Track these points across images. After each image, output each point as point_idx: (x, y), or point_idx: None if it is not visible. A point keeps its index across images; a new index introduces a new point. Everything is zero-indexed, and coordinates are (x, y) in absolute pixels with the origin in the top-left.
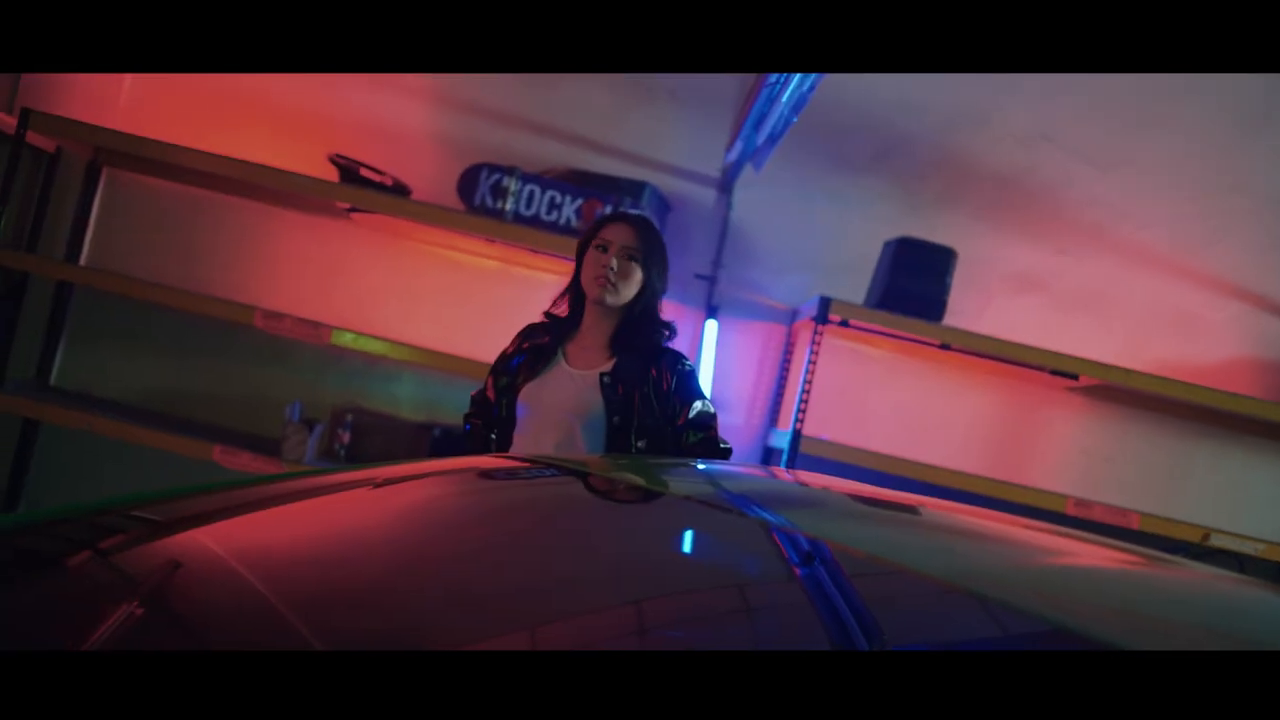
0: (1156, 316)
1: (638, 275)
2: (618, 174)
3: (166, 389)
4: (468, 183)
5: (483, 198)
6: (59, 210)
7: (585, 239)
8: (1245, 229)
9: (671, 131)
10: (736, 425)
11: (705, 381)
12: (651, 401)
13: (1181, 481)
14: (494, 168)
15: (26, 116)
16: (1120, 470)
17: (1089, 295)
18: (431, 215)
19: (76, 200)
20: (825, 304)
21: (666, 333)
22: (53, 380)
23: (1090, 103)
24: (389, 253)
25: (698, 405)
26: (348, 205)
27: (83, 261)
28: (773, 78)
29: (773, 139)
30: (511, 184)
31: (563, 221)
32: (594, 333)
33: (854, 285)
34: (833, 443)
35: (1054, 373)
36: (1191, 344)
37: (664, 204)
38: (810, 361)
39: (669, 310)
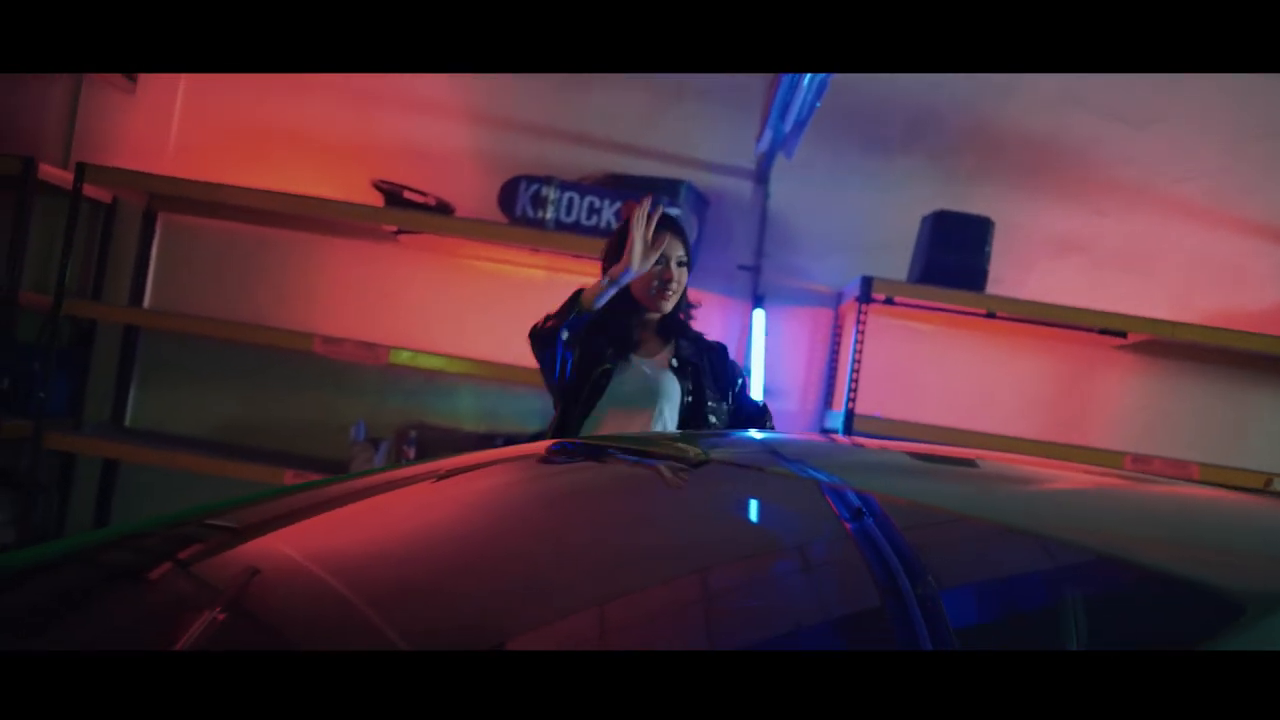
0: (1202, 268)
1: (685, 277)
2: (654, 174)
3: (235, 420)
4: (508, 195)
5: (524, 208)
6: (120, 257)
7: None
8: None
9: (704, 128)
10: (791, 411)
11: (757, 369)
12: (713, 379)
13: (1239, 430)
14: (532, 179)
15: (82, 170)
16: (1177, 424)
17: (1131, 253)
18: (476, 230)
19: (136, 246)
20: (867, 283)
21: (693, 311)
22: (127, 421)
23: None
24: (438, 270)
25: (740, 383)
26: (394, 228)
27: (146, 304)
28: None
29: (800, 125)
30: (550, 193)
31: (603, 225)
32: (647, 327)
33: (896, 263)
34: (886, 419)
35: (1102, 332)
36: (1239, 293)
37: (702, 199)
38: (857, 341)
39: (715, 302)
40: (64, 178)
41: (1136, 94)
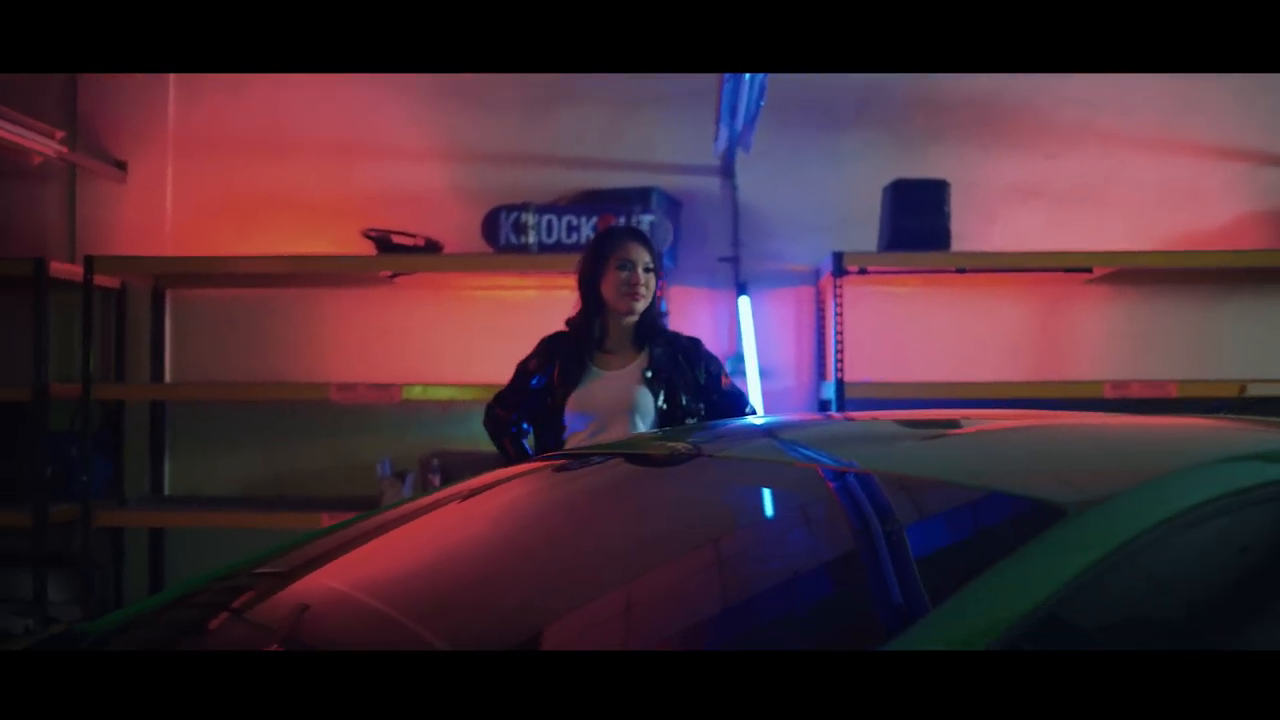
0: (1157, 195)
1: (654, 282)
2: (625, 185)
3: (267, 475)
4: (490, 226)
5: (507, 237)
6: (136, 338)
7: (600, 257)
8: (1219, 92)
9: (667, 134)
10: (788, 387)
11: (749, 353)
12: (687, 382)
13: (1213, 344)
14: (511, 207)
15: (90, 263)
16: (1153, 346)
17: (1087, 190)
18: (465, 264)
19: (149, 325)
20: (838, 257)
21: (664, 314)
22: (166, 490)
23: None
24: (435, 305)
25: (727, 393)
26: (389, 273)
27: (167, 379)
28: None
29: (750, 121)
30: (530, 218)
31: (583, 241)
32: (618, 336)
33: (867, 234)
34: (876, 383)
35: (1068, 270)
36: (1196, 213)
37: (674, 202)
38: (837, 313)
39: (701, 295)
40: (73, 271)
41: None
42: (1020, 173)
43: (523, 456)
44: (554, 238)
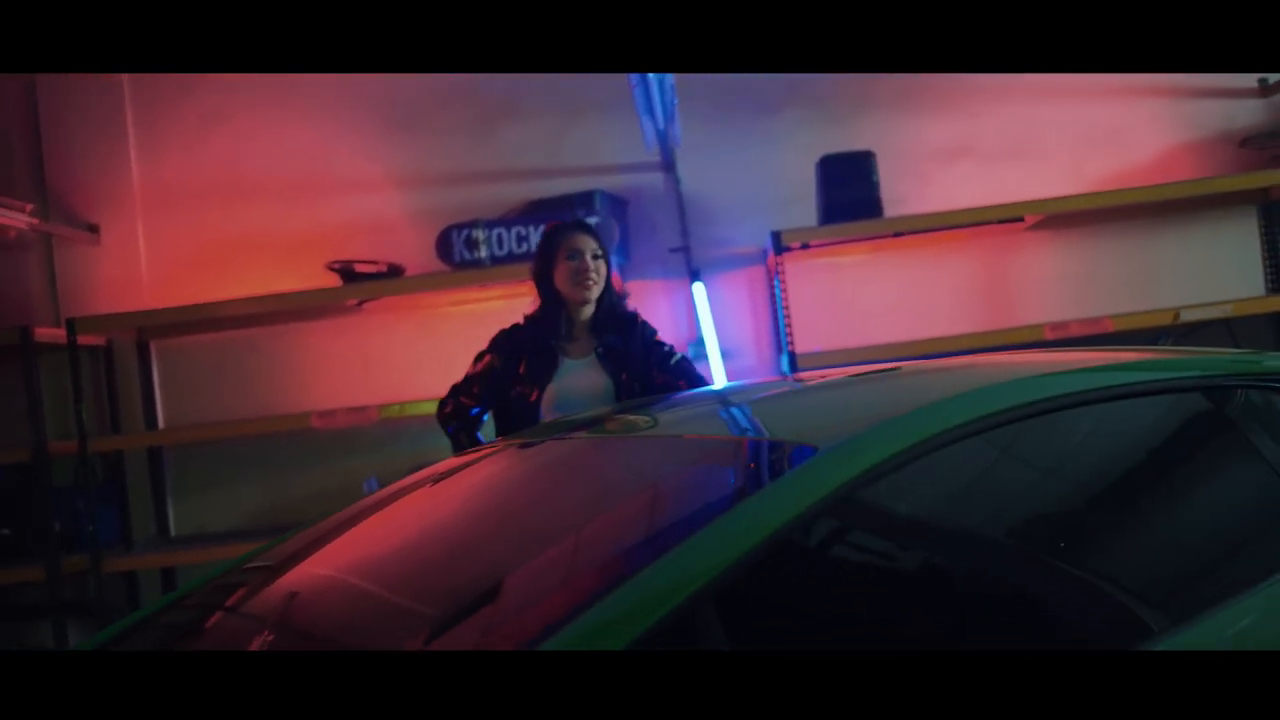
0: (1082, 138)
1: (604, 268)
2: (569, 191)
3: (265, 504)
4: (444, 245)
5: (460, 254)
6: (127, 389)
7: (549, 253)
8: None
9: (608, 137)
10: (751, 364)
11: (709, 336)
12: (639, 363)
13: (1150, 276)
14: (460, 226)
15: (73, 325)
16: (1093, 285)
17: (1015, 143)
18: (425, 284)
19: (138, 377)
20: (777, 236)
21: (626, 300)
22: (172, 531)
23: None
24: (404, 325)
25: (664, 353)
26: (356, 300)
27: (160, 425)
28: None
29: (669, 116)
30: (479, 234)
31: (534, 249)
32: (578, 326)
33: (808, 209)
34: (826, 351)
35: (1001, 222)
36: (1124, 151)
37: (619, 201)
38: (780, 289)
39: (657, 287)
40: (58, 335)
41: None
42: (949, 134)
43: (473, 445)
44: (505, 249)
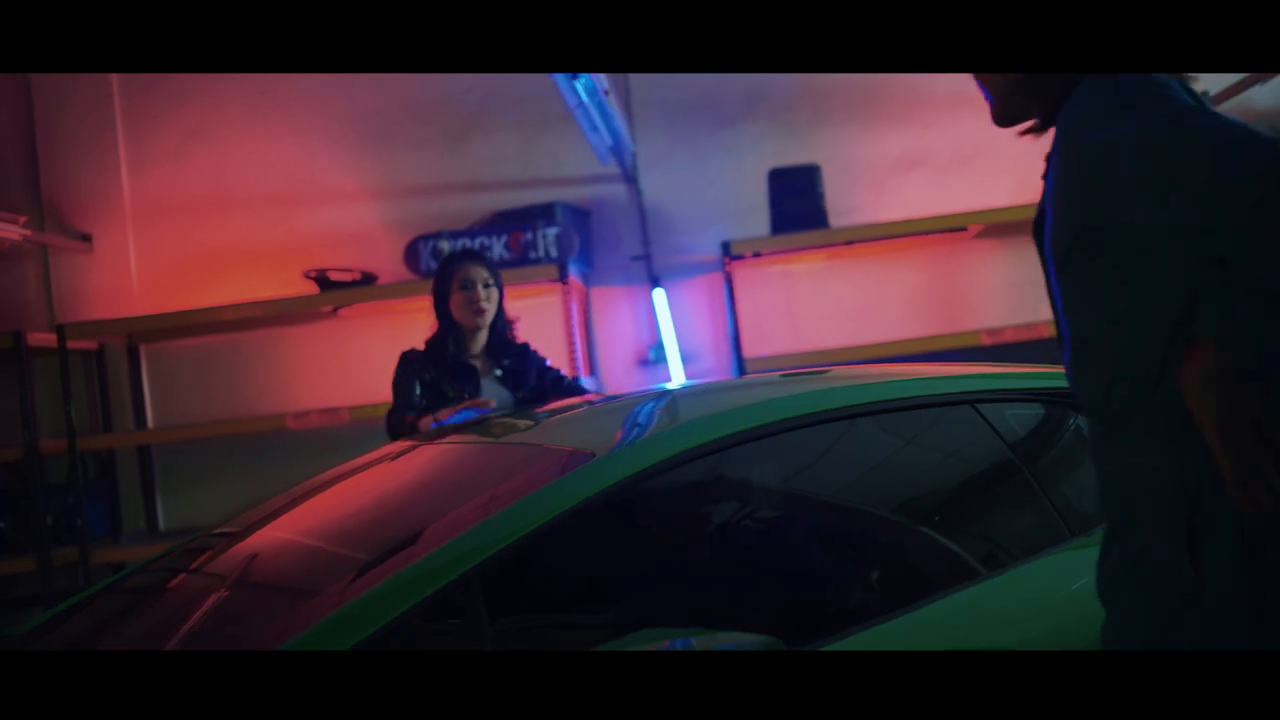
0: (1031, 149)
1: (496, 295)
2: (534, 202)
3: (248, 500)
4: (411, 255)
5: (426, 263)
6: (118, 391)
7: (444, 282)
8: None
9: (572, 149)
10: (709, 367)
11: (669, 341)
12: (533, 386)
13: None
14: (427, 236)
15: (62, 330)
16: (1034, 291)
17: (965, 154)
18: (394, 291)
19: (129, 379)
20: (725, 246)
21: (513, 326)
22: (160, 526)
23: None
24: (377, 330)
25: (555, 375)
26: (330, 307)
27: (150, 425)
28: (568, 98)
29: (613, 130)
30: (444, 244)
31: (497, 259)
32: (474, 348)
33: (763, 219)
34: (773, 356)
35: (946, 231)
36: None
37: (581, 212)
38: (730, 296)
39: (619, 293)
40: (51, 339)
41: None
42: (902, 145)
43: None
44: None
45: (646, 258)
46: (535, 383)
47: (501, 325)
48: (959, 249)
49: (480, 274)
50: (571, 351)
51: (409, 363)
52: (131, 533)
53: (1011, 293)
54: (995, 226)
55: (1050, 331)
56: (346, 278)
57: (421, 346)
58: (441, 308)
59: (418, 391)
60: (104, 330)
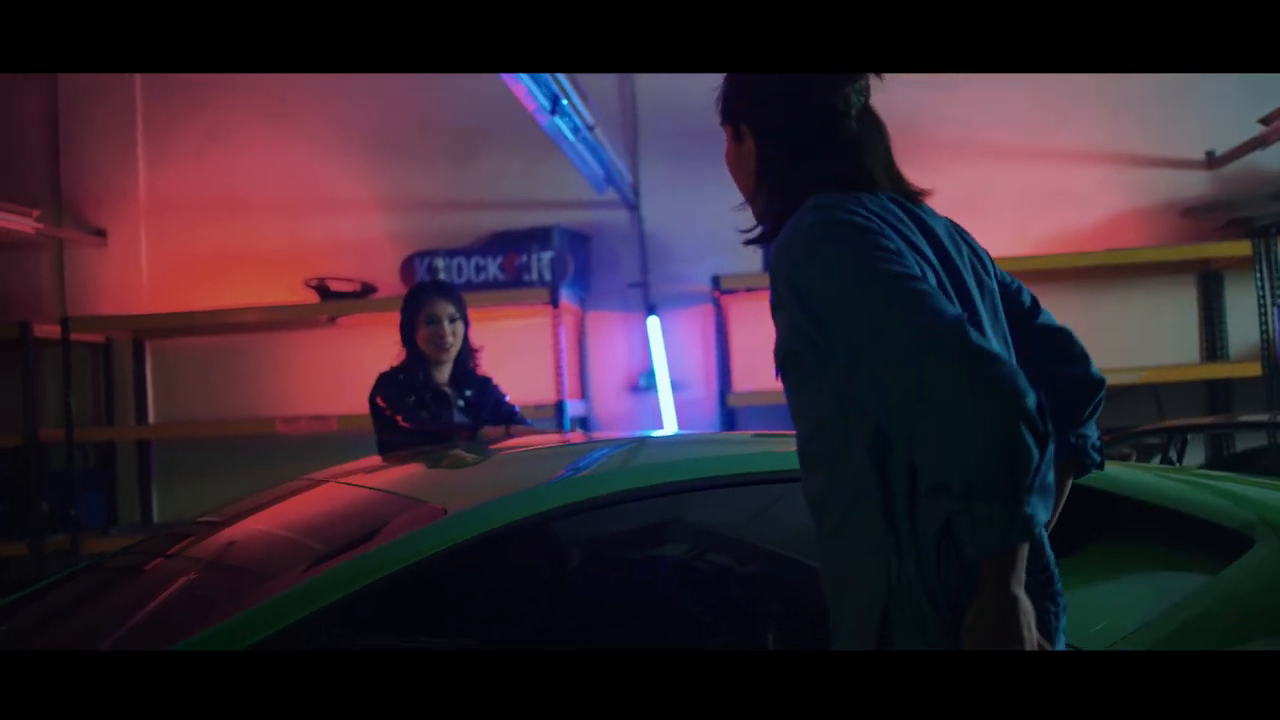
0: (1029, 201)
1: (461, 329)
2: (537, 224)
3: (242, 497)
4: (406, 271)
5: (421, 279)
6: (122, 384)
7: (411, 314)
8: (1089, 99)
9: (576, 173)
10: (699, 397)
11: (660, 368)
12: (488, 418)
13: (1083, 336)
14: (424, 253)
15: (67, 324)
16: None
17: (964, 200)
18: (392, 304)
19: (132, 374)
20: (715, 280)
21: (476, 355)
22: (155, 518)
23: None
24: (374, 340)
25: (508, 411)
26: (328, 316)
27: (151, 420)
28: (550, 133)
29: (602, 161)
30: (440, 262)
31: (490, 279)
32: (439, 378)
33: (760, 254)
34: (759, 391)
35: None
36: (1068, 215)
37: (580, 237)
38: (720, 329)
39: (614, 319)
40: (58, 331)
41: None
42: None
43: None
44: (464, 277)
45: (644, 285)
46: (489, 415)
47: (466, 355)
48: None
49: (446, 309)
50: (559, 375)
51: (395, 383)
52: (125, 524)
53: None
54: None
55: None
56: (346, 288)
57: (396, 371)
58: (409, 338)
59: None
60: (109, 325)
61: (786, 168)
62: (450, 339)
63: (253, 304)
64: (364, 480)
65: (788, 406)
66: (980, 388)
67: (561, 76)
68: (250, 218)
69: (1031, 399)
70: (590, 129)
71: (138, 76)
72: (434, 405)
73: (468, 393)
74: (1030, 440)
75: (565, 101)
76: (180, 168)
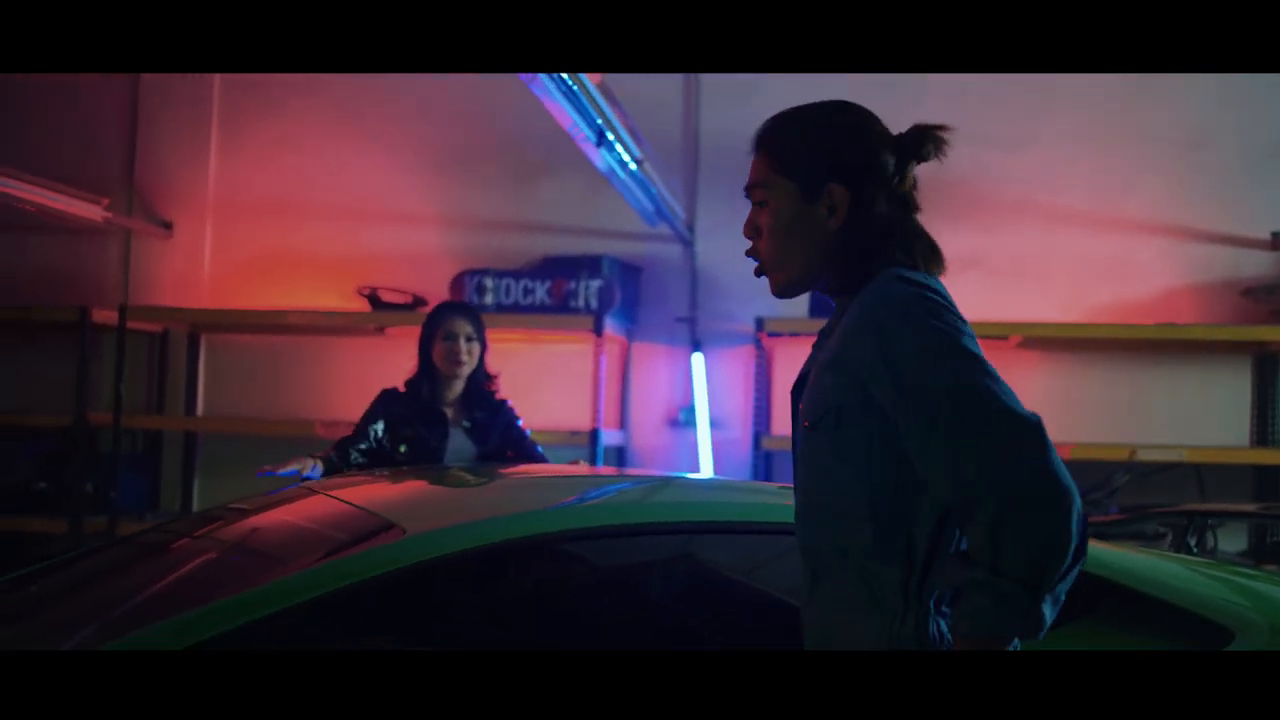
0: (1089, 267)
1: (478, 350)
2: (590, 252)
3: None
4: (456, 287)
5: (469, 297)
6: (175, 375)
7: (430, 330)
8: (1156, 171)
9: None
10: (736, 437)
11: (701, 405)
12: (497, 440)
13: (1129, 409)
14: (474, 271)
15: (124, 312)
16: (1066, 409)
17: (1022, 262)
18: None
19: (185, 365)
20: (760, 323)
21: (493, 380)
22: (194, 507)
23: (985, 96)
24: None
25: (517, 435)
26: (376, 326)
27: (199, 412)
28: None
29: (652, 198)
30: (489, 282)
31: (538, 303)
32: (449, 396)
33: (806, 299)
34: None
35: (987, 337)
36: (1126, 285)
37: (631, 268)
38: (761, 372)
39: (659, 351)
40: (116, 318)
41: (1011, 120)
42: (959, 245)
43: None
44: (511, 299)
45: (692, 320)
46: (499, 439)
47: (480, 377)
48: (999, 357)
49: (464, 328)
50: (595, 403)
51: (381, 399)
52: (163, 511)
53: (1046, 408)
54: (1038, 339)
55: (1072, 454)
56: (397, 299)
57: (403, 387)
58: (424, 352)
59: (380, 428)
60: (167, 316)
61: (876, 235)
62: (465, 357)
63: (306, 307)
64: (346, 494)
65: (802, 456)
66: (1054, 491)
67: (609, 110)
68: (311, 222)
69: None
70: (639, 163)
71: (217, 77)
72: (423, 424)
73: (477, 414)
74: (1074, 547)
75: (610, 135)
76: (249, 168)
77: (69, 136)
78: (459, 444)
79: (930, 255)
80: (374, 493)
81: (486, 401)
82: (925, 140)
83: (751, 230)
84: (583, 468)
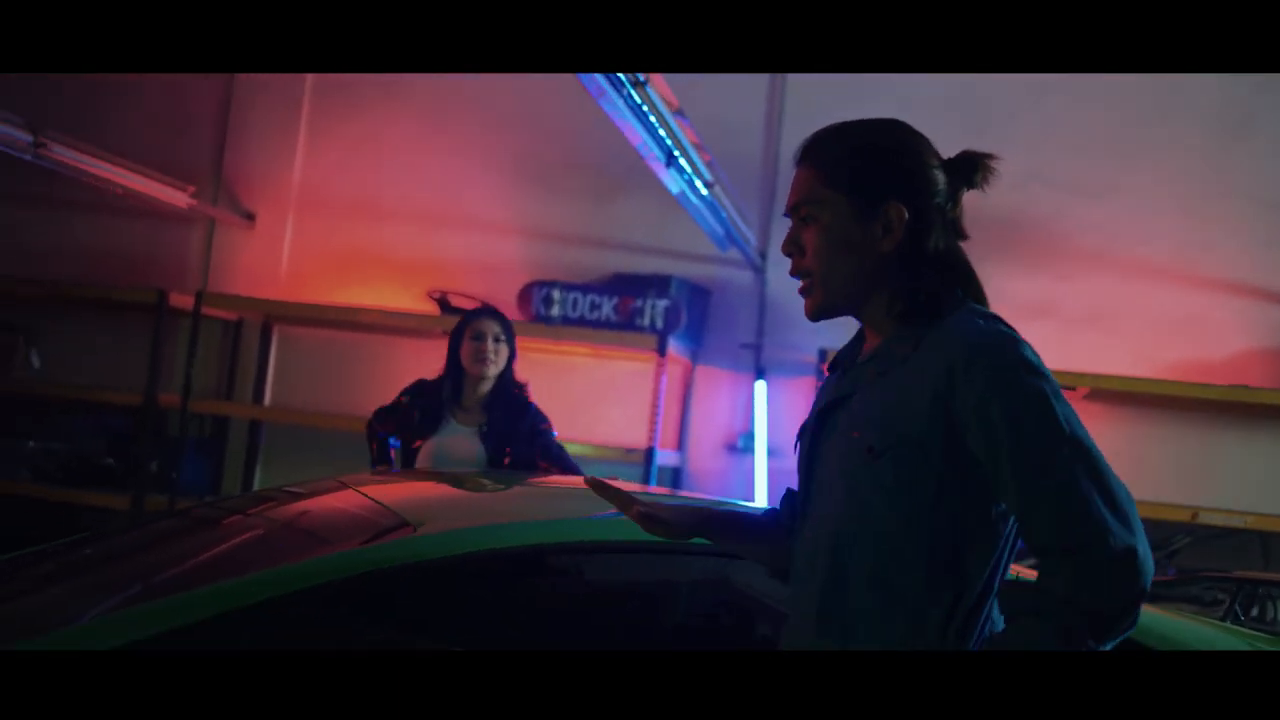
0: (1163, 323)
1: (505, 352)
2: (660, 271)
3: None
4: (524, 298)
5: (537, 308)
6: (245, 363)
7: (460, 330)
8: (1240, 229)
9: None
10: (791, 468)
11: (760, 432)
12: (524, 446)
13: (1195, 470)
14: (542, 283)
15: (199, 298)
16: (1128, 465)
17: (1096, 312)
18: None
19: (256, 354)
20: (822, 354)
21: (524, 389)
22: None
23: (1073, 140)
24: None
25: (544, 442)
26: (443, 329)
27: (266, 402)
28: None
29: (725, 223)
30: (556, 294)
31: (603, 319)
32: (472, 396)
33: None
34: None
35: None
36: (1201, 344)
37: (700, 290)
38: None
39: (722, 376)
40: (192, 303)
41: (1095, 168)
42: (1033, 291)
43: (383, 458)
44: (578, 312)
45: (757, 347)
46: (526, 447)
47: (507, 381)
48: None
49: (492, 329)
50: (653, 422)
51: (413, 386)
52: (223, 495)
53: (1110, 462)
54: (1107, 392)
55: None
56: (466, 304)
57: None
58: (453, 350)
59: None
60: (242, 305)
61: (937, 263)
62: (492, 356)
63: (378, 306)
64: (373, 490)
65: (844, 477)
66: (1147, 555)
67: (679, 130)
68: (389, 223)
69: None
70: (709, 186)
71: (309, 77)
72: (422, 416)
73: (496, 418)
74: (1136, 615)
75: (680, 155)
76: (332, 166)
77: (163, 124)
78: (463, 446)
79: (981, 289)
80: (398, 491)
81: (511, 407)
82: (976, 166)
83: (792, 247)
84: (618, 483)
